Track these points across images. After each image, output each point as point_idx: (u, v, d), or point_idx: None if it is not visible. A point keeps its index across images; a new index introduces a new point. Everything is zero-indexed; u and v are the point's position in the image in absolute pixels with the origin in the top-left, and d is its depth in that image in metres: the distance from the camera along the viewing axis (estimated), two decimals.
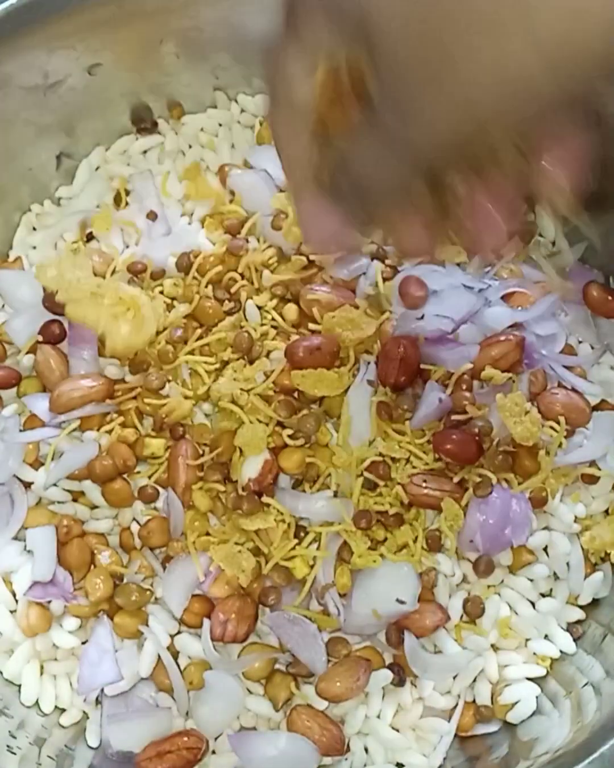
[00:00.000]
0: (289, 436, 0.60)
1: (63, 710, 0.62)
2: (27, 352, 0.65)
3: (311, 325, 0.64)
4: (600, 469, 0.63)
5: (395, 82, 0.34)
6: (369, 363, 0.62)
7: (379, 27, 0.33)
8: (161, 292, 0.65)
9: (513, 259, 0.70)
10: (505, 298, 0.66)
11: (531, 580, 0.63)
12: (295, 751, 0.57)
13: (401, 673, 0.59)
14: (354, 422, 0.61)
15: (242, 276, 0.66)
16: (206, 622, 0.59)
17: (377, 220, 0.42)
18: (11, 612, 0.62)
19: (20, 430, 0.63)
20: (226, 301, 0.65)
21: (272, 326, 0.64)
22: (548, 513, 0.63)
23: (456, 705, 0.61)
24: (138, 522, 0.62)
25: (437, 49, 0.32)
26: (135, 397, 0.63)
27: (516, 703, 0.61)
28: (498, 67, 0.31)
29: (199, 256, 0.66)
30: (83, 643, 0.61)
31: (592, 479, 0.63)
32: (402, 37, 0.33)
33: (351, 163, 0.38)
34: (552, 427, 0.62)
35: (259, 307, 0.65)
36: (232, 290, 0.65)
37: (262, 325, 0.64)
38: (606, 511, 0.64)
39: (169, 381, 0.63)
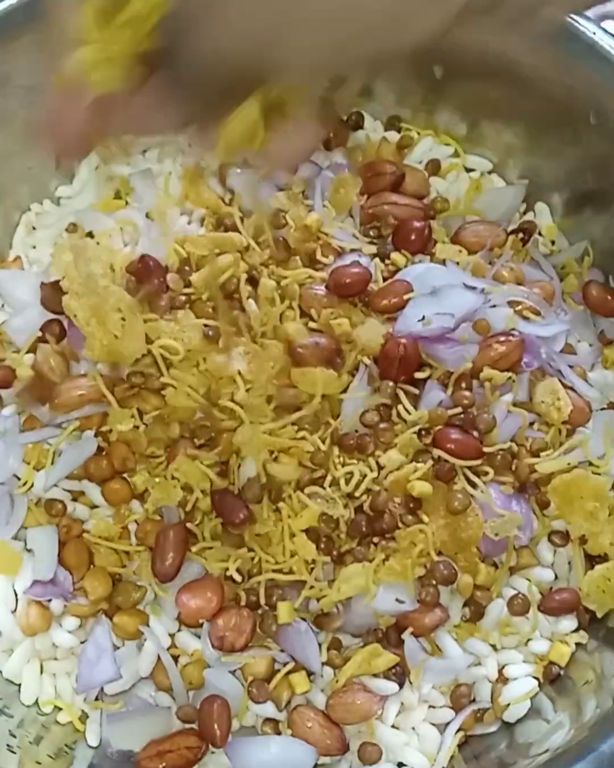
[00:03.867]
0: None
1: (61, 709, 0.62)
2: (27, 352, 0.65)
3: (311, 325, 0.64)
4: (599, 469, 0.63)
5: None
6: (366, 365, 0.62)
7: None
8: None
9: (512, 258, 0.70)
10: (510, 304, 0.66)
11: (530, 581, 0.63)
12: (288, 755, 0.57)
13: (401, 675, 0.59)
14: (348, 422, 0.61)
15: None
16: (206, 622, 0.59)
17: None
18: (12, 612, 0.62)
19: (20, 431, 0.63)
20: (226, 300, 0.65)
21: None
22: (548, 516, 0.63)
23: (462, 708, 0.61)
24: (136, 522, 0.62)
25: None
26: (135, 396, 0.63)
27: (515, 703, 0.61)
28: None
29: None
30: (82, 642, 0.61)
31: None
32: None
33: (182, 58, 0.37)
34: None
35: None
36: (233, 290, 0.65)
37: (263, 325, 0.64)
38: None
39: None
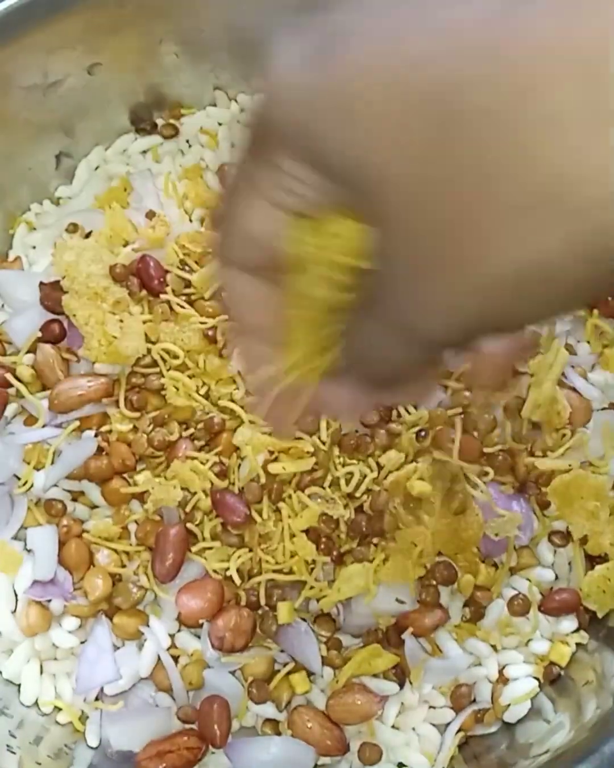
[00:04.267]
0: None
1: (61, 710, 0.62)
2: (27, 352, 0.65)
3: None
4: (599, 469, 0.63)
5: (402, 256, 0.28)
6: None
7: (388, 185, 0.27)
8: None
9: None
10: None
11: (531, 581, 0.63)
12: (288, 755, 0.57)
13: (401, 675, 0.59)
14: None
15: None
16: (206, 623, 0.59)
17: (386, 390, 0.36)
18: (11, 612, 0.62)
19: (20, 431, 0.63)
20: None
21: None
22: (548, 516, 0.63)
23: (462, 708, 0.61)
24: (136, 522, 0.62)
25: (455, 226, 0.27)
26: (137, 396, 0.63)
27: (515, 703, 0.61)
28: (523, 257, 0.26)
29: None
30: (82, 642, 0.61)
31: None
32: (417, 203, 0.27)
33: (354, 341, 0.33)
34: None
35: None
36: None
37: None
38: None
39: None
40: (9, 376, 0.63)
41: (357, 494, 0.59)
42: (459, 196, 0.26)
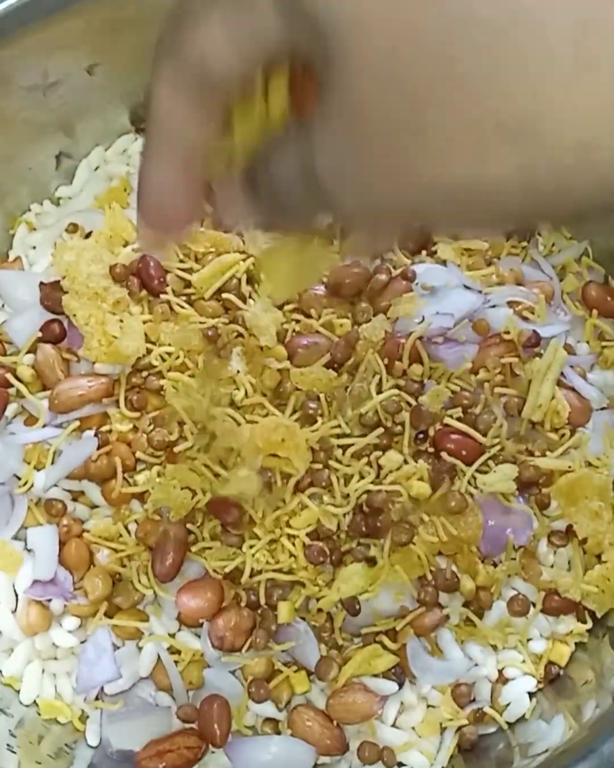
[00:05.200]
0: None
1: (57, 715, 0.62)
2: (27, 352, 0.65)
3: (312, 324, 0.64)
4: (599, 469, 0.63)
5: (345, 118, 0.28)
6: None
7: (353, 46, 0.27)
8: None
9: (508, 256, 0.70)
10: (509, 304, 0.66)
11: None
12: (288, 755, 0.57)
13: (401, 675, 0.59)
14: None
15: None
16: (206, 622, 0.59)
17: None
18: (12, 612, 0.62)
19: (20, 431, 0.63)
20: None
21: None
22: (548, 516, 0.63)
23: (462, 707, 0.61)
24: (136, 522, 0.62)
25: (412, 121, 0.26)
26: (137, 396, 0.63)
27: (514, 702, 0.61)
28: (471, 174, 0.27)
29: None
30: (82, 642, 0.61)
31: None
32: (382, 73, 0.26)
33: (268, 160, 0.33)
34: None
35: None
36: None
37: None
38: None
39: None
40: (9, 376, 0.64)
41: (357, 494, 0.59)
42: (430, 94, 0.26)
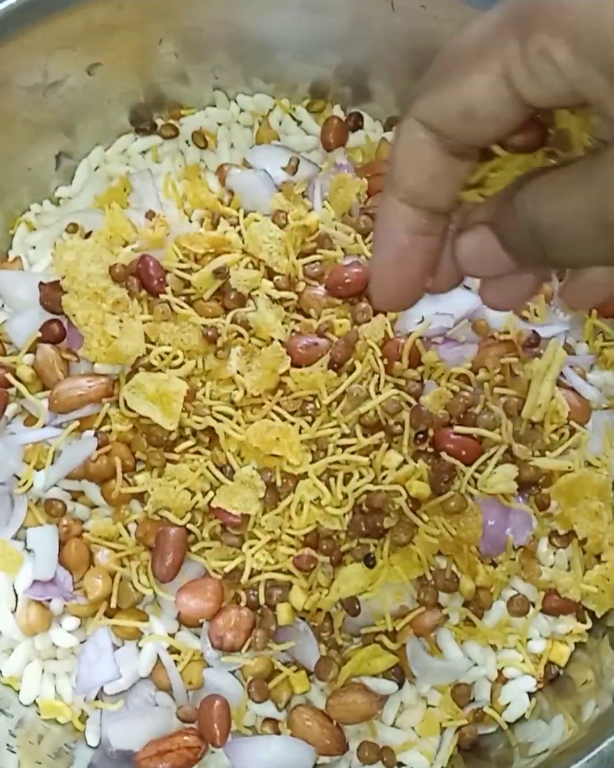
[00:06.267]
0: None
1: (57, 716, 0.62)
2: (27, 352, 0.65)
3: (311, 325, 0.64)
4: (598, 468, 0.63)
5: None
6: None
7: None
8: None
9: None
10: None
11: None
12: (288, 754, 0.57)
13: (400, 675, 0.59)
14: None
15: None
16: (206, 622, 0.59)
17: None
18: (12, 612, 0.62)
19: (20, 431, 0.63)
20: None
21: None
22: (548, 516, 0.63)
23: (461, 707, 0.61)
24: (136, 522, 0.62)
25: None
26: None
27: (514, 702, 0.61)
28: None
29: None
30: (82, 642, 0.61)
31: None
32: None
33: (538, 211, 0.32)
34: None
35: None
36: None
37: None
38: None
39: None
40: (9, 376, 0.64)
41: (357, 494, 0.59)
42: None
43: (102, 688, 0.61)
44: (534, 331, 0.64)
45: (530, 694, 0.61)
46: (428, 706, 0.61)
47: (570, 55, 0.28)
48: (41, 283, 0.65)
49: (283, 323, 0.63)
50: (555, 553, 0.63)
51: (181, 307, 0.64)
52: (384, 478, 0.60)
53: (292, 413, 0.61)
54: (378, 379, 0.62)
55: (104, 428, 0.62)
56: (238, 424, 0.61)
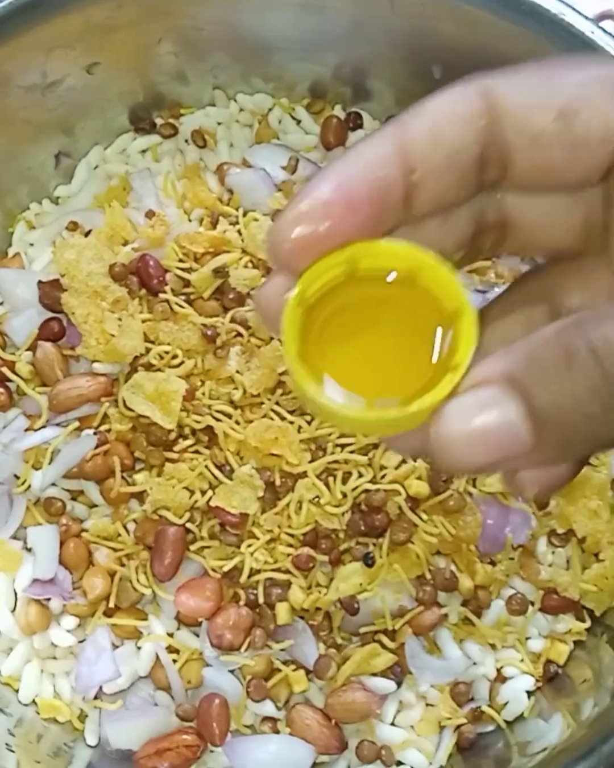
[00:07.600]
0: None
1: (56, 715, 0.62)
2: (26, 350, 0.65)
3: None
4: (597, 467, 0.63)
5: None
6: None
7: None
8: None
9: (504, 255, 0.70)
10: None
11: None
12: (287, 753, 0.57)
13: (399, 674, 0.59)
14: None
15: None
16: (205, 621, 0.59)
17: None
18: (11, 611, 0.62)
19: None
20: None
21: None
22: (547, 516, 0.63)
23: (460, 706, 0.61)
24: (135, 521, 0.62)
25: None
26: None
27: (512, 701, 0.61)
28: None
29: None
30: (81, 641, 0.61)
31: None
32: None
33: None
34: None
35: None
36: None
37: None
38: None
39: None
40: (5, 370, 0.63)
41: (356, 493, 0.60)
42: None
43: (101, 688, 0.61)
44: None
45: (529, 693, 0.62)
46: (427, 705, 0.61)
47: None
48: (40, 282, 0.65)
49: None
50: (554, 552, 0.63)
51: (181, 306, 0.64)
52: (383, 477, 0.60)
53: (291, 412, 0.61)
54: None
55: (103, 427, 0.63)
56: (237, 423, 0.61)
